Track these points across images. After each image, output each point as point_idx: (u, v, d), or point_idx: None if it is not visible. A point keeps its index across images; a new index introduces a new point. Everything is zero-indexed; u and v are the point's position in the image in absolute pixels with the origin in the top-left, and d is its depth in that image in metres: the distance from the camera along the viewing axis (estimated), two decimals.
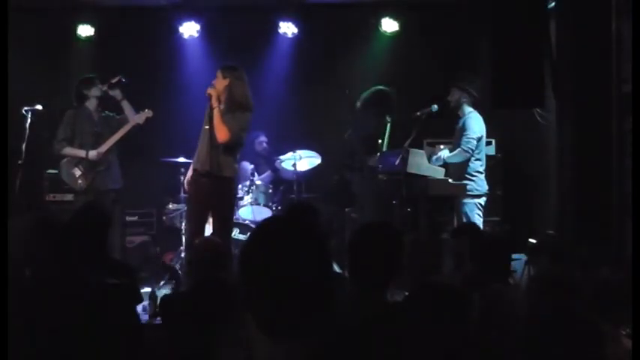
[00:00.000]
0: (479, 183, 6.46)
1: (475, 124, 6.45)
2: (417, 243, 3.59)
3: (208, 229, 6.10)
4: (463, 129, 6.46)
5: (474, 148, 6.41)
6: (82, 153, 6.32)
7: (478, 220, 6.31)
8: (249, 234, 1.91)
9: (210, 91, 5.75)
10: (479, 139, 6.46)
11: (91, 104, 6.41)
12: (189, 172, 5.93)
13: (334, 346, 1.59)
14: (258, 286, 1.50)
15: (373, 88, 6.73)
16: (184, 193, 6.83)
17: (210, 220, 6.04)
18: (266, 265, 1.50)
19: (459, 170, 6.49)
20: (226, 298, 3.50)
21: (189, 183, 5.94)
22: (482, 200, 6.45)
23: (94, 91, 6.40)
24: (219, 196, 6.01)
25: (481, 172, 6.51)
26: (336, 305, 2.51)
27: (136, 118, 6.47)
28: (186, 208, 6.20)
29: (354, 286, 2.69)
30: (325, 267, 1.55)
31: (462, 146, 6.41)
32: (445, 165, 6.65)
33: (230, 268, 4.19)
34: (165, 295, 4.39)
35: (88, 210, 4.12)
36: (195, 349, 3.41)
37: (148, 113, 6.51)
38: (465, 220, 6.35)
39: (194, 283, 3.94)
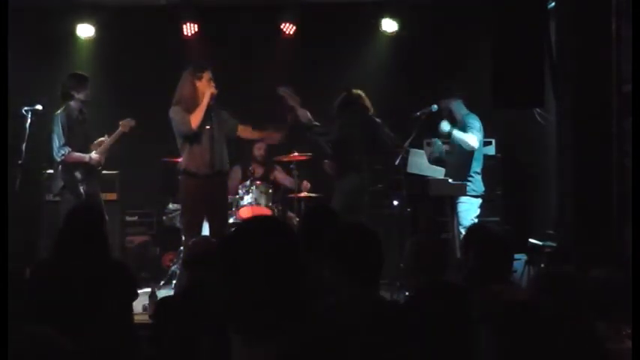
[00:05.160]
0: (476, 184, 6.46)
1: (475, 122, 6.46)
2: (418, 243, 3.59)
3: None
4: (466, 126, 6.45)
5: (482, 139, 6.41)
6: (85, 157, 6.31)
7: (471, 222, 6.30)
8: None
9: (215, 92, 5.84)
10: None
11: (76, 105, 6.35)
12: (185, 179, 5.93)
13: (315, 347, 1.58)
14: (234, 286, 1.50)
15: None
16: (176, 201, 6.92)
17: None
18: (242, 265, 1.50)
19: (457, 170, 6.48)
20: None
21: (189, 189, 5.94)
22: (479, 201, 6.45)
23: (82, 95, 6.33)
24: (222, 193, 6.07)
25: (478, 173, 6.51)
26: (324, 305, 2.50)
27: (121, 127, 6.51)
28: (183, 215, 6.21)
29: (344, 286, 2.68)
30: (303, 268, 1.54)
31: (475, 133, 6.37)
32: (444, 164, 6.65)
33: None
34: (162, 298, 4.39)
35: (82, 210, 4.14)
36: (187, 351, 3.42)
37: (131, 122, 6.54)
38: (458, 220, 6.36)
39: (188, 285, 3.94)
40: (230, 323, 1.50)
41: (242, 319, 1.49)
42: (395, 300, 5.33)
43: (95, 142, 6.51)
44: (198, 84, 5.89)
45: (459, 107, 6.55)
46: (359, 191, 6.49)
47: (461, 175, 6.42)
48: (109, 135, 6.54)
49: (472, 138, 6.37)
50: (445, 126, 6.42)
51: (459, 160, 6.56)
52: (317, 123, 6.53)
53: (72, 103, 6.31)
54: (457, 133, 6.40)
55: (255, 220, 1.65)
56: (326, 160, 6.86)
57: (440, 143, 6.66)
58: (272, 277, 1.49)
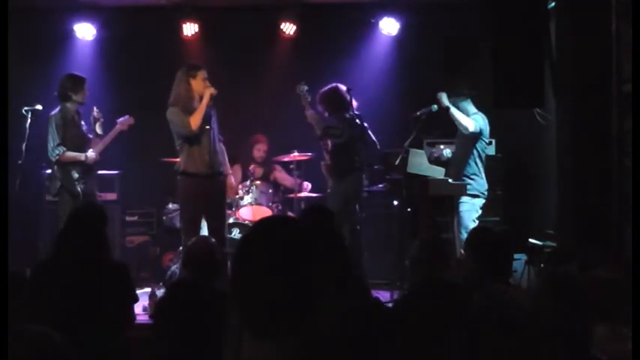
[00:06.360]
0: (479, 182, 6.45)
1: (477, 118, 6.44)
2: (420, 243, 3.59)
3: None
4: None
5: (479, 129, 6.39)
6: (81, 156, 6.30)
7: (472, 222, 6.29)
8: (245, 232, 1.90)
9: (215, 92, 5.83)
10: (481, 132, 6.44)
11: (73, 106, 6.33)
12: (184, 179, 5.95)
13: (324, 345, 1.58)
14: (250, 283, 1.50)
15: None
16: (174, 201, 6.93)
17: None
18: (260, 262, 1.50)
19: (458, 170, 6.48)
20: (216, 299, 3.50)
21: (188, 189, 5.94)
22: (481, 202, 6.43)
23: (79, 97, 6.32)
24: (221, 193, 6.06)
25: (481, 172, 6.50)
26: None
27: (120, 125, 6.50)
28: (182, 216, 6.23)
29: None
30: (319, 267, 1.54)
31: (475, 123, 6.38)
32: (445, 165, 6.64)
33: (223, 268, 4.20)
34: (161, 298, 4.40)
35: (86, 209, 4.14)
36: (186, 350, 3.42)
37: (130, 120, 6.55)
38: (459, 220, 6.34)
39: (189, 284, 3.94)
40: (245, 321, 1.51)
41: (256, 316, 1.49)
42: (376, 298, 5.33)
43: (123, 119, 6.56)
44: (193, 82, 5.88)
45: (467, 106, 6.52)
46: (359, 191, 6.49)
47: (458, 175, 6.41)
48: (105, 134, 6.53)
49: (470, 122, 6.36)
50: (445, 100, 6.39)
51: (457, 159, 6.55)
52: (330, 125, 6.47)
53: (68, 104, 6.31)
54: (455, 113, 6.39)
55: (270, 219, 1.66)
56: (322, 162, 6.83)
57: (448, 150, 6.65)
58: (287, 276, 1.49)
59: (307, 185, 7.50)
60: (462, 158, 6.51)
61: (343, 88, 6.54)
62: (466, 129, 6.37)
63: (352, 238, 6.21)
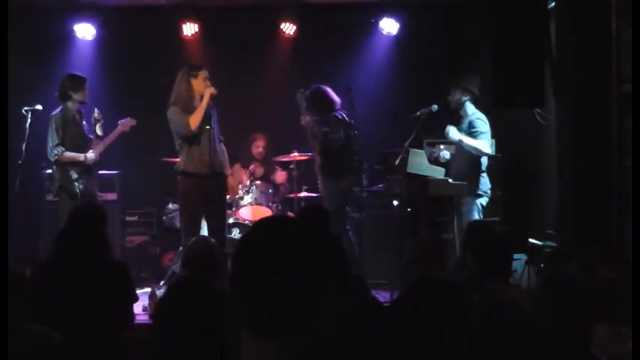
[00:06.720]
0: (481, 181, 6.43)
1: (481, 124, 6.42)
2: (417, 243, 3.59)
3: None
4: (472, 127, 6.41)
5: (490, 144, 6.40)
6: (80, 157, 6.28)
7: None
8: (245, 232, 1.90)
9: (215, 92, 5.83)
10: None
11: (74, 106, 6.32)
12: (184, 179, 5.95)
13: (324, 345, 1.58)
14: (250, 283, 1.50)
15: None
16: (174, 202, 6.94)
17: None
18: (260, 262, 1.50)
19: (461, 170, 6.46)
20: (216, 299, 3.51)
21: (187, 189, 5.94)
22: (484, 200, 6.42)
23: (79, 96, 6.31)
24: (221, 193, 6.06)
25: (483, 171, 6.49)
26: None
27: (121, 126, 6.50)
28: (181, 216, 6.24)
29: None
30: (319, 267, 1.54)
31: (484, 137, 6.36)
32: (446, 165, 6.63)
33: (223, 268, 4.21)
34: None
35: (85, 209, 4.15)
36: (186, 350, 3.42)
37: (132, 122, 6.54)
38: (460, 221, 6.32)
39: (189, 284, 3.94)
40: (245, 321, 1.51)
41: (256, 316, 1.49)
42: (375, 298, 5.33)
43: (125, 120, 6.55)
44: (194, 82, 5.88)
45: (467, 105, 6.51)
46: (354, 191, 6.50)
47: (471, 177, 6.37)
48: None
49: (484, 144, 6.35)
50: (454, 134, 6.36)
51: (467, 161, 6.49)
52: (326, 129, 6.46)
53: (69, 104, 6.30)
54: (467, 141, 6.34)
55: (270, 219, 1.66)
56: (318, 162, 6.82)
57: (446, 152, 6.64)
58: (287, 276, 1.49)
59: (284, 174, 7.49)
60: (469, 160, 6.48)
61: (327, 89, 6.56)
62: (483, 153, 6.36)
63: (345, 237, 6.23)
